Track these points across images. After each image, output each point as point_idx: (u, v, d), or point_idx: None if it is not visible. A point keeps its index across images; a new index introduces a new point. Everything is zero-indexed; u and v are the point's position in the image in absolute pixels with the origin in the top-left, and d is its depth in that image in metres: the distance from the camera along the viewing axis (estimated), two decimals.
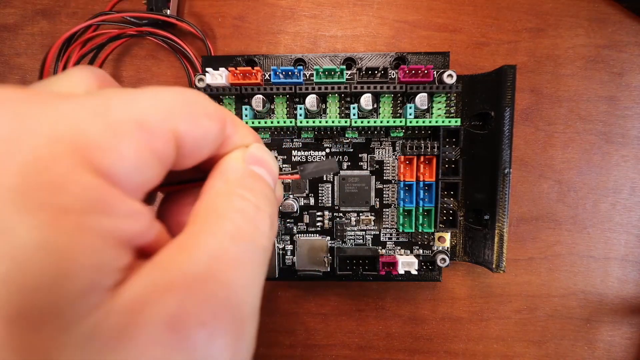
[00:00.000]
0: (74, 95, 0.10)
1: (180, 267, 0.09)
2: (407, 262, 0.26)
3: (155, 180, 0.10)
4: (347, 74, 0.26)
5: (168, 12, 0.28)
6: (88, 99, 0.09)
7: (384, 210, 0.28)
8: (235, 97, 0.26)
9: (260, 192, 0.12)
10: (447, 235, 0.27)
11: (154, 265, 0.09)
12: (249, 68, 0.24)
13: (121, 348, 0.08)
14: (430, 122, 0.25)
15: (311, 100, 0.25)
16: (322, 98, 0.26)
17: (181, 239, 0.10)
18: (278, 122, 0.25)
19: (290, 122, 0.25)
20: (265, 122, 0.26)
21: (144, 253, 0.10)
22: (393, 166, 0.27)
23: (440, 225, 0.26)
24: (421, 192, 0.26)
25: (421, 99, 0.25)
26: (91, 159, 0.08)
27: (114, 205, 0.09)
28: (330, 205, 0.28)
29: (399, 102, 0.26)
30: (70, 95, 0.10)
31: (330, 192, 0.28)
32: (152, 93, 0.10)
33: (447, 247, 0.28)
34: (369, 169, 0.27)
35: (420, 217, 0.26)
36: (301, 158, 0.28)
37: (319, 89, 0.25)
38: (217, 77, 0.25)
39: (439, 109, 0.26)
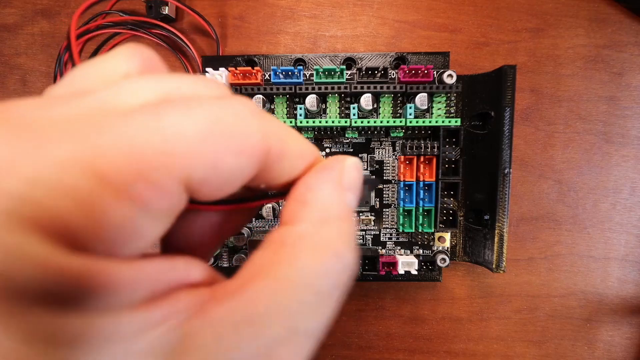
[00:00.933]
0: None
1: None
2: (407, 262, 0.26)
3: (162, 233, 0.08)
4: (347, 74, 0.26)
5: (166, 10, 0.28)
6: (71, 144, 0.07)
7: (384, 210, 0.28)
8: None
9: (352, 235, 0.10)
10: (447, 235, 0.27)
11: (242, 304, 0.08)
12: (249, 68, 0.24)
13: None
14: (430, 122, 0.25)
15: (311, 100, 0.25)
16: (322, 98, 0.26)
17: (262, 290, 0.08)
18: None
19: (290, 122, 0.25)
20: None
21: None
22: (393, 166, 0.27)
23: (440, 225, 0.26)
24: (421, 192, 0.26)
25: (421, 99, 0.25)
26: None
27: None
28: None
29: (399, 102, 0.26)
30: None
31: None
32: (176, 118, 0.08)
33: (447, 247, 0.28)
34: (369, 169, 0.27)
35: (420, 217, 0.26)
36: None
37: (319, 89, 0.25)
38: (217, 77, 0.25)
39: (439, 109, 0.26)
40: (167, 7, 0.28)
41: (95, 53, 0.29)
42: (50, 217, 0.06)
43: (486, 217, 0.26)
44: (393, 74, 0.26)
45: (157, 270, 0.08)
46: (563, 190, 0.29)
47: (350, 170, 0.11)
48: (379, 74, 0.26)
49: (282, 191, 0.11)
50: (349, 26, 0.29)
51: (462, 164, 0.26)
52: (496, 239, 0.25)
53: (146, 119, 0.07)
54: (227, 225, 0.12)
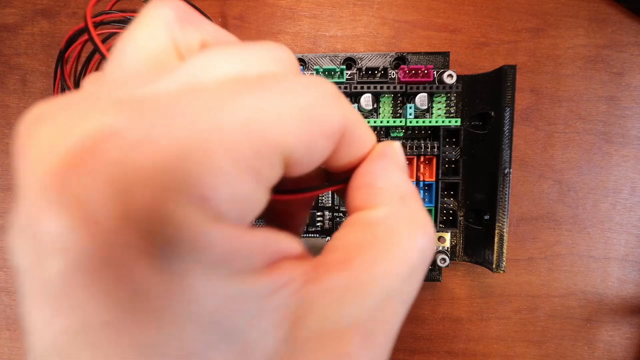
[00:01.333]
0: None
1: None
2: None
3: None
4: (347, 74, 0.26)
5: None
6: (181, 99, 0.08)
7: None
8: None
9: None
10: (447, 235, 0.27)
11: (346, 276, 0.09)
12: None
13: None
14: (430, 122, 0.25)
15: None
16: None
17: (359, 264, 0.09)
18: None
19: None
20: None
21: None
22: None
23: (440, 225, 0.26)
24: (421, 192, 0.26)
25: (421, 99, 0.25)
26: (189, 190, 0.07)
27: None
28: (330, 205, 0.28)
29: (399, 102, 0.26)
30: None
31: (330, 192, 0.28)
32: (277, 92, 0.08)
33: (447, 247, 0.28)
34: None
35: None
36: None
37: None
38: None
39: (439, 109, 0.26)
40: None
41: (94, 53, 0.29)
42: (200, 189, 0.07)
43: (486, 217, 0.26)
44: (393, 74, 0.26)
45: (272, 240, 0.09)
46: (563, 190, 0.29)
47: (401, 153, 0.12)
48: (379, 74, 0.26)
49: (344, 178, 0.12)
50: (349, 26, 0.29)
51: (462, 164, 0.26)
52: (496, 239, 0.25)
53: (254, 99, 0.08)
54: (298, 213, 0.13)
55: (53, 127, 0.07)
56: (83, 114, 0.07)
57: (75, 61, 0.30)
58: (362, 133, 0.11)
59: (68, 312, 0.07)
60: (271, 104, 0.08)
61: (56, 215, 0.07)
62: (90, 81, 0.10)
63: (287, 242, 0.09)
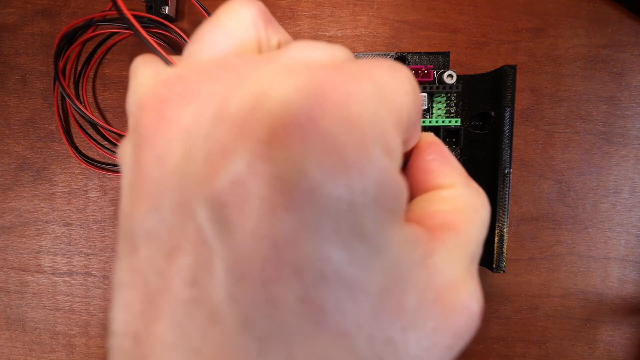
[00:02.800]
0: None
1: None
2: None
3: None
4: None
5: (167, 9, 0.28)
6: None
7: None
8: None
9: None
10: None
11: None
12: None
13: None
14: (430, 122, 0.25)
15: None
16: None
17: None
18: None
19: None
20: None
21: None
22: None
23: None
24: None
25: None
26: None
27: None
28: None
29: None
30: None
31: None
32: (406, 86, 0.10)
33: None
34: None
35: None
36: None
37: None
38: None
39: (439, 109, 0.26)
40: (167, 7, 0.28)
41: (94, 52, 0.29)
42: (386, 143, 0.09)
43: None
44: None
45: None
46: (563, 190, 0.29)
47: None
48: None
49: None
50: (349, 26, 0.29)
51: (462, 164, 0.26)
52: (496, 239, 0.25)
53: (384, 73, 0.10)
54: None
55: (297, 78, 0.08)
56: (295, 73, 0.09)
57: (75, 61, 0.30)
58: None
59: None
60: (393, 77, 0.10)
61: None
62: (184, 59, 0.11)
63: None
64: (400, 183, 0.09)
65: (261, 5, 0.11)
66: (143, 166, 0.08)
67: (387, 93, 0.09)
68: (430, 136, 0.13)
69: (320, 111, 0.08)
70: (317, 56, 0.10)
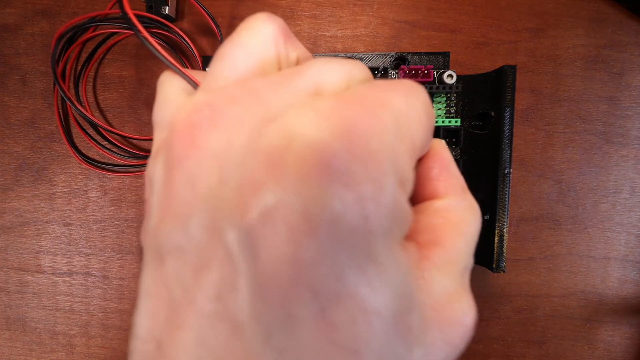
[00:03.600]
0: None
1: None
2: None
3: None
4: None
5: (167, 9, 0.28)
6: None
7: None
8: None
9: None
10: None
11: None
12: None
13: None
14: None
15: None
16: None
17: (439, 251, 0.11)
18: None
19: None
20: None
21: None
22: None
23: None
24: None
25: None
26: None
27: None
28: None
29: None
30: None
31: None
32: (419, 111, 0.10)
33: None
34: None
35: None
36: None
37: None
38: None
39: (439, 109, 0.26)
40: (167, 7, 0.28)
41: (94, 52, 0.29)
42: (400, 174, 0.09)
43: (486, 217, 0.26)
44: (393, 74, 0.26)
45: None
46: (563, 190, 0.29)
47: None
48: (379, 74, 0.26)
49: None
50: (349, 26, 0.29)
51: (462, 164, 0.26)
52: (496, 239, 0.25)
53: (401, 98, 0.10)
54: None
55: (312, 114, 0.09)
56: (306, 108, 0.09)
57: (74, 61, 0.30)
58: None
59: None
60: (410, 105, 0.10)
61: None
62: (206, 79, 0.11)
63: None
64: (408, 211, 0.10)
65: (280, 21, 0.12)
66: (174, 187, 0.09)
67: (403, 124, 0.10)
68: (438, 144, 0.14)
69: (344, 152, 0.08)
70: (336, 80, 0.10)
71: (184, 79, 0.11)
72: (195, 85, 0.11)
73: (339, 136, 0.08)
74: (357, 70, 0.11)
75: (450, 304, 0.10)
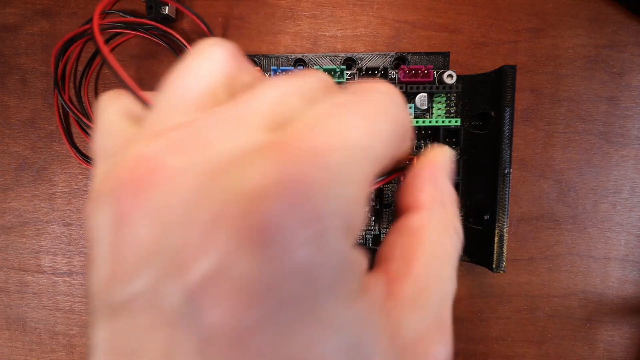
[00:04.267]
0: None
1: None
2: None
3: None
4: (347, 74, 0.26)
5: (167, 10, 0.28)
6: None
7: (384, 210, 0.28)
8: None
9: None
10: None
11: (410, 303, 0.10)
12: None
13: None
14: (430, 122, 0.25)
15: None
16: None
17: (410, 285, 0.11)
18: None
19: None
20: None
21: None
22: None
23: None
24: None
25: (421, 99, 0.25)
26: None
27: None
28: None
29: None
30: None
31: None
32: (378, 123, 0.10)
33: None
34: None
35: None
36: None
37: None
38: None
39: (439, 109, 0.26)
40: (167, 7, 0.28)
41: (95, 54, 0.29)
42: (346, 222, 0.09)
43: (486, 217, 0.26)
44: (393, 74, 0.26)
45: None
46: (563, 190, 0.29)
47: (451, 159, 0.13)
48: (379, 74, 0.26)
49: (400, 166, 0.13)
50: (349, 26, 0.29)
51: (462, 164, 0.26)
52: (496, 239, 0.25)
53: (359, 120, 0.09)
54: None
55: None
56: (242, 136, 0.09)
57: (75, 62, 0.30)
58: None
59: None
60: (372, 126, 0.09)
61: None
62: (158, 105, 0.11)
63: (363, 257, 0.10)
64: (356, 261, 0.09)
65: (231, 46, 0.11)
66: (121, 244, 0.09)
67: (358, 153, 0.09)
68: (436, 153, 0.13)
69: (282, 214, 0.08)
70: (288, 103, 0.10)
71: (135, 97, 0.11)
72: (147, 104, 0.11)
73: (278, 196, 0.08)
74: (311, 83, 0.10)
75: (422, 345, 0.10)
